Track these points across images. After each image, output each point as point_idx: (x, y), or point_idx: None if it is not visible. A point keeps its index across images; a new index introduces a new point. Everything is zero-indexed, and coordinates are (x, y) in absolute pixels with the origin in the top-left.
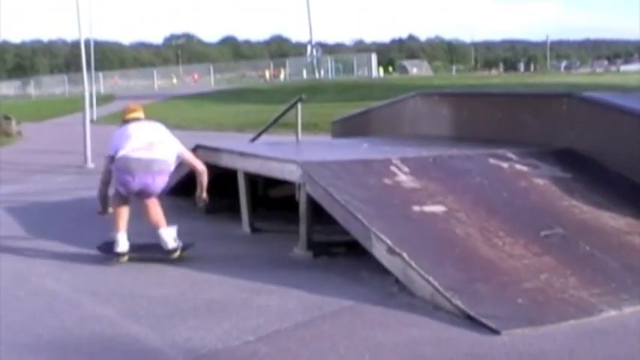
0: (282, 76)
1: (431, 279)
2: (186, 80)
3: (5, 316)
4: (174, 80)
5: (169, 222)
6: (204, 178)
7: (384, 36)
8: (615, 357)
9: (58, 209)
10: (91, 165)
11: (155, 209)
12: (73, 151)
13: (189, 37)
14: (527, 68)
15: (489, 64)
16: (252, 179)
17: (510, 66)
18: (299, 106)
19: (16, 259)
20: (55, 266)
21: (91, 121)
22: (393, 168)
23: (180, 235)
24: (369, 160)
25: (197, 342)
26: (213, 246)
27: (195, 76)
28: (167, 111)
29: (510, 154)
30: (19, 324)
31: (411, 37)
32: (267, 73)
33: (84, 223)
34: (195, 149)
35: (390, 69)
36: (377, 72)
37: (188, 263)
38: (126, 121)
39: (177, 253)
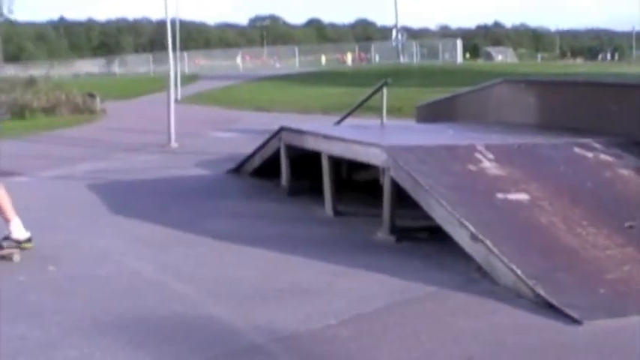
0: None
1: (514, 267)
2: (241, 63)
3: (87, 294)
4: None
5: (252, 202)
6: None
7: (470, 22)
8: None
9: (141, 188)
10: (174, 144)
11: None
12: (156, 130)
13: (274, 19)
14: (612, 57)
15: (574, 53)
16: (336, 162)
17: (595, 55)
18: (384, 89)
19: (98, 237)
20: (137, 245)
21: (175, 100)
22: (477, 154)
23: (262, 216)
24: (454, 146)
25: (279, 324)
26: (296, 228)
27: (247, 57)
28: (252, 92)
29: (595, 144)
30: (101, 302)
31: (497, 24)
32: (348, 57)
33: (166, 202)
34: (280, 131)
35: (467, 55)
36: (461, 57)
37: (271, 245)
38: None
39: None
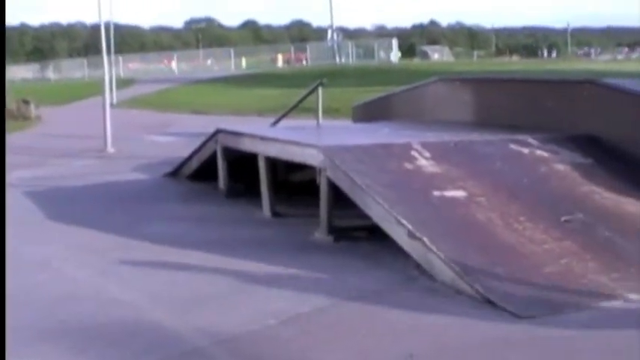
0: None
1: (452, 263)
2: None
3: (28, 301)
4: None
5: (190, 205)
6: None
7: (406, 21)
8: (636, 340)
9: (79, 194)
10: (111, 149)
11: None
12: (92, 135)
13: (209, 21)
14: (549, 54)
15: (511, 51)
16: (273, 163)
17: (531, 52)
18: (320, 90)
19: (37, 244)
20: (77, 251)
21: (111, 105)
22: (414, 152)
23: (200, 219)
24: (390, 145)
25: (219, 327)
26: (234, 230)
27: (166, 61)
28: (187, 95)
29: (531, 140)
30: (42, 309)
31: (433, 23)
32: (279, 58)
33: (104, 208)
34: (216, 133)
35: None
36: (396, 57)
37: (210, 247)
38: None
39: None
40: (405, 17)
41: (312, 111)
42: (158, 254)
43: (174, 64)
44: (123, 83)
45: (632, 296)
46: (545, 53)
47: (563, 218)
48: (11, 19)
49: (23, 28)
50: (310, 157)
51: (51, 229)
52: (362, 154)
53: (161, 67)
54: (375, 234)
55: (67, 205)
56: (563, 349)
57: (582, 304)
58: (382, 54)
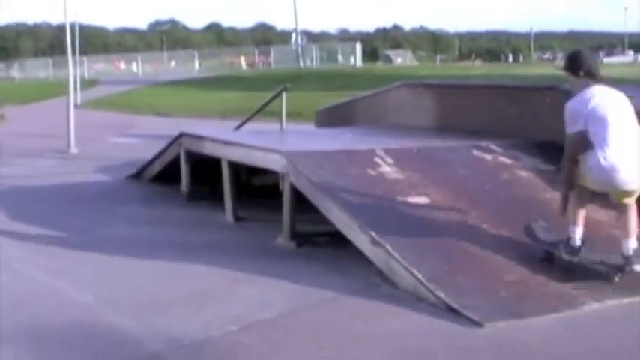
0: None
1: (414, 270)
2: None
3: None
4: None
5: (152, 208)
6: None
7: (369, 25)
8: (597, 349)
9: (40, 194)
10: (74, 150)
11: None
12: (56, 135)
13: (174, 23)
14: (514, 59)
15: (474, 55)
16: (236, 167)
17: (494, 56)
18: (284, 95)
19: None
20: (35, 252)
21: (75, 105)
22: (376, 159)
23: (161, 222)
24: (353, 151)
25: (178, 331)
26: (196, 234)
27: (116, 64)
28: (151, 97)
29: (493, 146)
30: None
31: (396, 27)
32: (242, 61)
33: (65, 209)
34: (180, 137)
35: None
36: (360, 61)
37: (170, 251)
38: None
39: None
40: (368, 21)
41: (275, 115)
42: (117, 256)
43: (122, 65)
44: (87, 84)
45: (595, 304)
46: (510, 57)
47: (525, 225)
48: None
49: None
50: (273, 162)
51: (11, 229)
52: (325, 160)
53: (116, 69)
54: (337, 240)
55: (29, 205)
56: (525, 357)
57: (544, 311)
58: (343, 58)
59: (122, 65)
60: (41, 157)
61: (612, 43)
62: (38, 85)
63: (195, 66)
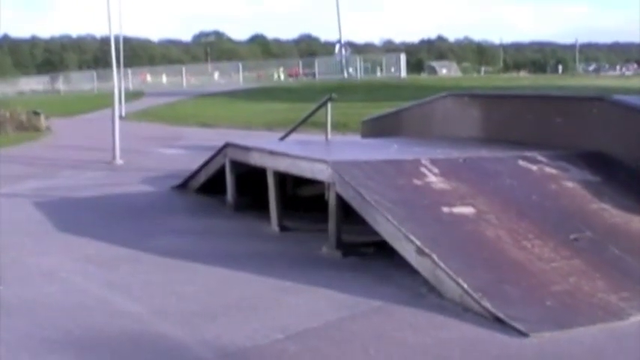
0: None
1: (460, 280)
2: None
3: (34, 312)
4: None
5: (198, 218)
6: None
7: (413, 36)
8: None
9: (87, 205)
10: (119, 161)
11: None
12: (101, 147)
13: (218, 35)
14: (554, 70)
15: (518, 66)
16: (282, 177)
17: (539, 68)
18: (329, 104)
19: (45, 255)
20: (85, 262)
21: (120, 117)
22: (422, 169)
23: (208, 232)
24: (399, 161)
25: (226, 340)
26: (242, 244)
27: (144, 76)
28: (196, 108)
29: (540, 157)
30: (49, 320)
31: (440, 38)
32: (281, 73)
33: (112, 220)
34: (225, 147)
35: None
36: (405, 72)
37: (217, 261)
38: None
39: None
40: (412, 32)
41: (321, 125)
42: (165, 267)
43: (148, 78)
44: (132, 96)
45: None
46: (560, 69)
47: (572, 236)
48: (22, 31)
49: (34, 41)
50: (319, 172)
51: (59, 239)
52: (371, 169)
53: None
54: (383, 250)
55: (76, 216)
56: None
57: (590, 322)
58: (391, 69)
59: (148, 77)
60: (87, 169)
61: None
62: (83, 98)
63: (240, 78)
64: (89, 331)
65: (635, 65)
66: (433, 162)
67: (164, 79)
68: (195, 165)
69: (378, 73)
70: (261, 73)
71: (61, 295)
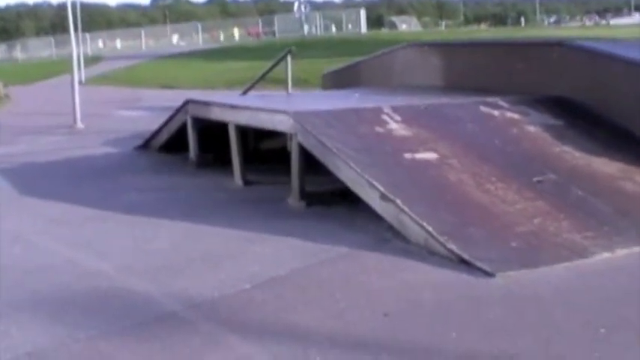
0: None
1: (425, 224)
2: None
3: (2, 273)
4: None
5: (161, 176)
6: None
7: None
8: (609, 298)
9: (50, 169)
10: (80, 125)
11: None
12: (62, 112)
13: None
14: (517, 23)
15: (479, 20)
16: (244, 132)
17: (499, 21)
18: (289, 58)
19: (11, 218)
20: (49, 224)
21: (80, 82)
22: (384, 116)
23: (172, 189)
24: (361, 109)
25: (193, 291)
26: (206, 199)
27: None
28: (155, 71)
29: (501, 102)
30: (16, 280)
31: None
32: (235, 32)
33: (76, 182)
34: (186, 104)
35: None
36: (365, 28)
37: (182, 216)
38: None
39: None
40: None
41: (281, 82)
42: (130, 224)
43: (116, 43)
44: (91, 61)
45: (605, 254)
46: (522, 21)
47: (535, 179)
48: None
49: None
50: (280, 123)
51: (23, 203)
52: (332, 118)
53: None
54: (347, 198)
55: (39, 180)
56: (537, 306)
57: (555, 261)
58: (351, 25)
59: (116, 43)
60: (48, 134)
61: (619, 5)
62: (41, 65)
63: (200, 39)
64: (57, 290)
65: (596, 16)
66: (395, 109)
67: (120, 43)
68: (156, 126)
69: (335, 29)
70: (214, 34)
71: (28, 256)
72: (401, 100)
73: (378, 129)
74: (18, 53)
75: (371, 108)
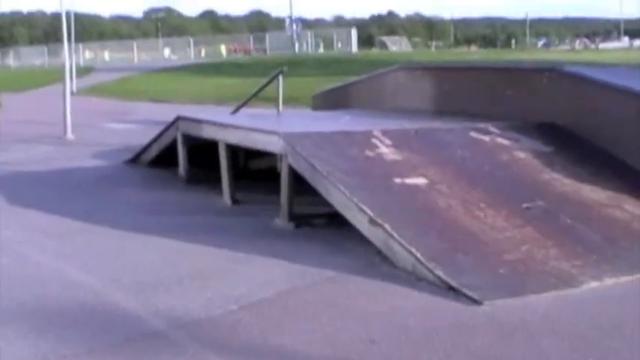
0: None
1: (413, 249)
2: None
3: None
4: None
5: (150, 191)
6: None
7: (364, 12)
8: (597, 327)
9: (39, 179)
10: (70, 136)
11: None
12: (52, 122)
13: (169, 11)
14: (507, 45)
15: (469, 41)
16: (234, 150)
17: (489, 43)
18: (280, 78)
19: None
20: (36, 235)
21: (71, 92)
22: (374, 140)
23: (160, 205)
24: (351, 132)
25: (180, 310)
26: (195, 216)
27: (99, 52)
28: (147, 84)
29: (492, 128)
30: (2, 291)
31: (391, 14)
32: (222, 49)
33: (65, 193)
34: (177, 120)
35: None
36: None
37: (170, 233)
38: None
39: None
40: (363, 8)
41: (272, 100)
42: (118, 239)
43: (105, 55)
44: (83, 71)
45: (594, 283)
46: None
47: (524, 205)
48: None
49: None
50: (271, 143)
51: (11, 213)
52: (323, 140)
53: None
54: (336, 220)
55: (27, 190)
56: (525, 334)
57: (543, 290)
58: (342, 44)
59: (105, 54)
60: (38, 143)
61: (608, 29)
62: (34, 73)
63: (192, 53)
64: (43, 302)
65: (586, 40)
66: (385, 133)
67: (111, 56)
68: (146, 139)
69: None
70: (200, 48)
71: (14, 266)
72: (391, 124)
73: (368, 152)
74: (11, 61)
75: (361, 131)
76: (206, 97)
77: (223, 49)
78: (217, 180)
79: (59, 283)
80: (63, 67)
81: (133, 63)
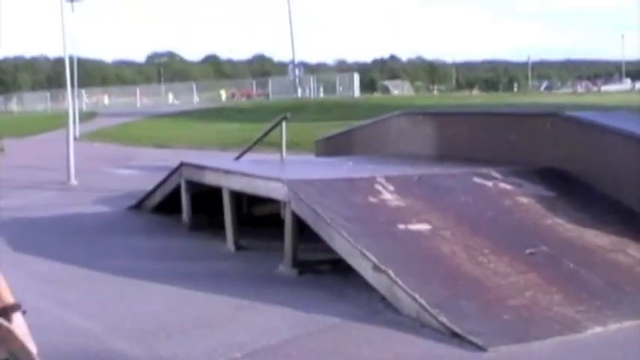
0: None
1: (417, 296)
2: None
3: None
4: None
5: (154, 238)
6: None
7: (366, 56)
8: None
9: (41, 225)
10: (74, 182)
11: None
12: (55, 167)
13: (171, 55)
14: (509, 88)
15: (470, 84)
16: (237, 197)
17: (491, 86)
18: (283, 124)
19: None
20: (38, 281)
21: (74, 138)
22: (377, 186)
23: (164, 252)
24: (354, 179)
25: (183, 358)
26: (198, 263)
27: (100, 97)
28: (150, 129)
29: (494, 173)
30: None
31: (393, 58)
32: (222, 94)
33: (67, 239)
34: (180, 166)
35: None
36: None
37: (173, 280)
38: None
39: None
40: (365, 52)
41: (275, 145)
42: (121, 286)
43: (106, 100)
44: (85, 116)
45: (598, 328)
46: (515, 87)
47: (527, 251)
48: None
49: None
50: (275, 190)
51: (12, 258)
52: (326, 187)
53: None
54: (339, 267)
55: (31, 236)
56: None
57: (547, 335)
58: (345, 88)
59: (105, 99)
60: (41, 189)
61: (610, 71)
62: (36, 119)
63: (195, 98)
64: (44, 348)
65: (588, 82)
66: (388, 179)
67: (114, 100)
68: (149, 185)
69: (323, 94)
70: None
71: None
72: (394, 170)
73: (372, 199)
74: (14, 106)
75: (365, 178)
76: (209, 143)
77: (223, 93)
78: (221, 226)
79: (60, 330)
80: (65, 112)
81: (135, 108)
